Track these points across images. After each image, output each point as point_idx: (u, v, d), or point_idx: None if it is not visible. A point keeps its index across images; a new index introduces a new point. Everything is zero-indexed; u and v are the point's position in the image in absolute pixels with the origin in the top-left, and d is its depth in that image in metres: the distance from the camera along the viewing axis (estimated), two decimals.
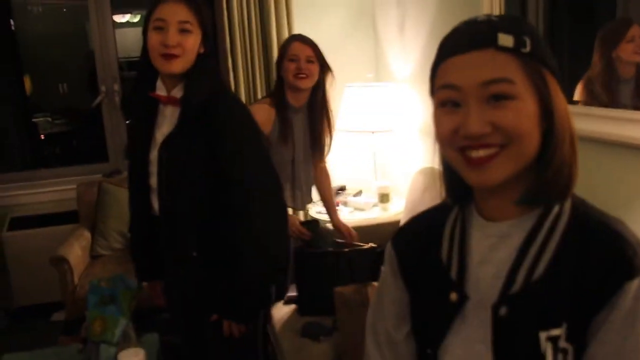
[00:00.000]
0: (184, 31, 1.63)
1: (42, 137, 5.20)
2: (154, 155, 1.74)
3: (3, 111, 4.27)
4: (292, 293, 2.42)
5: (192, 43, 1.65)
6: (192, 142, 1.67)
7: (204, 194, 1.70)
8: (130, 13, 6.13)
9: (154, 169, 1.75)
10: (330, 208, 2.70)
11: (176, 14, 1.63)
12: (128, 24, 6.18)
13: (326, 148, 2.58)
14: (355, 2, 3.45)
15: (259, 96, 3.16)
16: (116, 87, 3.71)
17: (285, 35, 3.18)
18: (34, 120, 5.14)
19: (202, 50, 1.69)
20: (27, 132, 4.71)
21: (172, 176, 1.70)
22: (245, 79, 3.28)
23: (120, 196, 3.29)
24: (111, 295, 2.03)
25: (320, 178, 2.67)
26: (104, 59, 3.71)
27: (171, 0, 1.65)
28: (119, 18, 5.88)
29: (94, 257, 3.25)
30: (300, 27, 3.12)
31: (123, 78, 3.80)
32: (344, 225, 2.67)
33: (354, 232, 2.63)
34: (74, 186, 3.43)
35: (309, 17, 3.31)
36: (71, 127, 5.58)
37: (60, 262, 2.93)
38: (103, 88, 3.70)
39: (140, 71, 1.76)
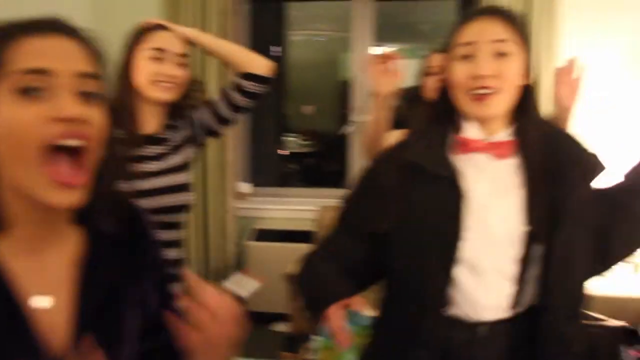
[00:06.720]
0: (500, 54, 1.20)
1: (288, 153, 5.61)
2: None
3: (264, 129, 4.66)
4: None
5: (513, 70, 1.21)
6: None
7: None
8: (386, 46, 6.34)
9: None
10: None
11: (488, 32, 1.21)
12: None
13: None
14: None
15: None
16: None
17: None
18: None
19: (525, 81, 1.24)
20: (278, 150, 5.10)
21: None
22: None
23: None
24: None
25: None
26: (358, 90, 3.82)
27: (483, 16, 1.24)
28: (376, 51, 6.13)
29: None
30: None
31: None
32: None
33: None
34: (313, 207, 3.56)
35: None
36: (315, 149, 5.96)
37: (293, 279, 3.02)
38: (354, 118, 3.81)
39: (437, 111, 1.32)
